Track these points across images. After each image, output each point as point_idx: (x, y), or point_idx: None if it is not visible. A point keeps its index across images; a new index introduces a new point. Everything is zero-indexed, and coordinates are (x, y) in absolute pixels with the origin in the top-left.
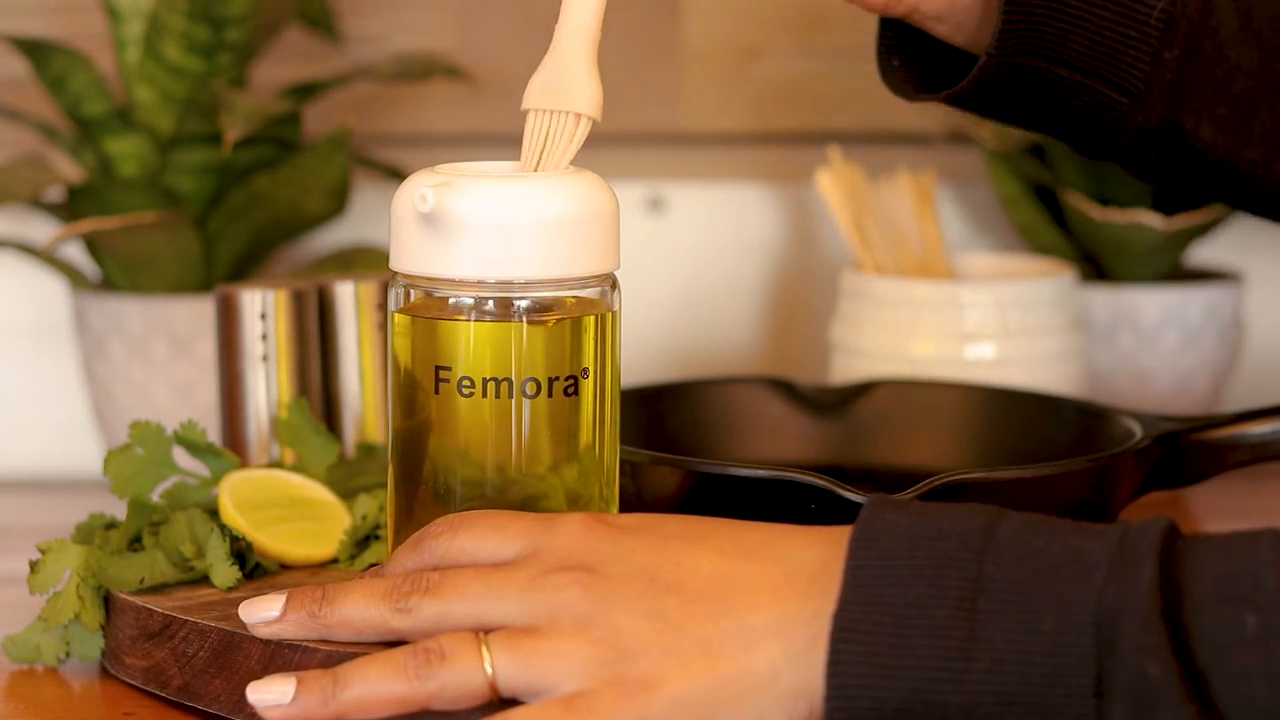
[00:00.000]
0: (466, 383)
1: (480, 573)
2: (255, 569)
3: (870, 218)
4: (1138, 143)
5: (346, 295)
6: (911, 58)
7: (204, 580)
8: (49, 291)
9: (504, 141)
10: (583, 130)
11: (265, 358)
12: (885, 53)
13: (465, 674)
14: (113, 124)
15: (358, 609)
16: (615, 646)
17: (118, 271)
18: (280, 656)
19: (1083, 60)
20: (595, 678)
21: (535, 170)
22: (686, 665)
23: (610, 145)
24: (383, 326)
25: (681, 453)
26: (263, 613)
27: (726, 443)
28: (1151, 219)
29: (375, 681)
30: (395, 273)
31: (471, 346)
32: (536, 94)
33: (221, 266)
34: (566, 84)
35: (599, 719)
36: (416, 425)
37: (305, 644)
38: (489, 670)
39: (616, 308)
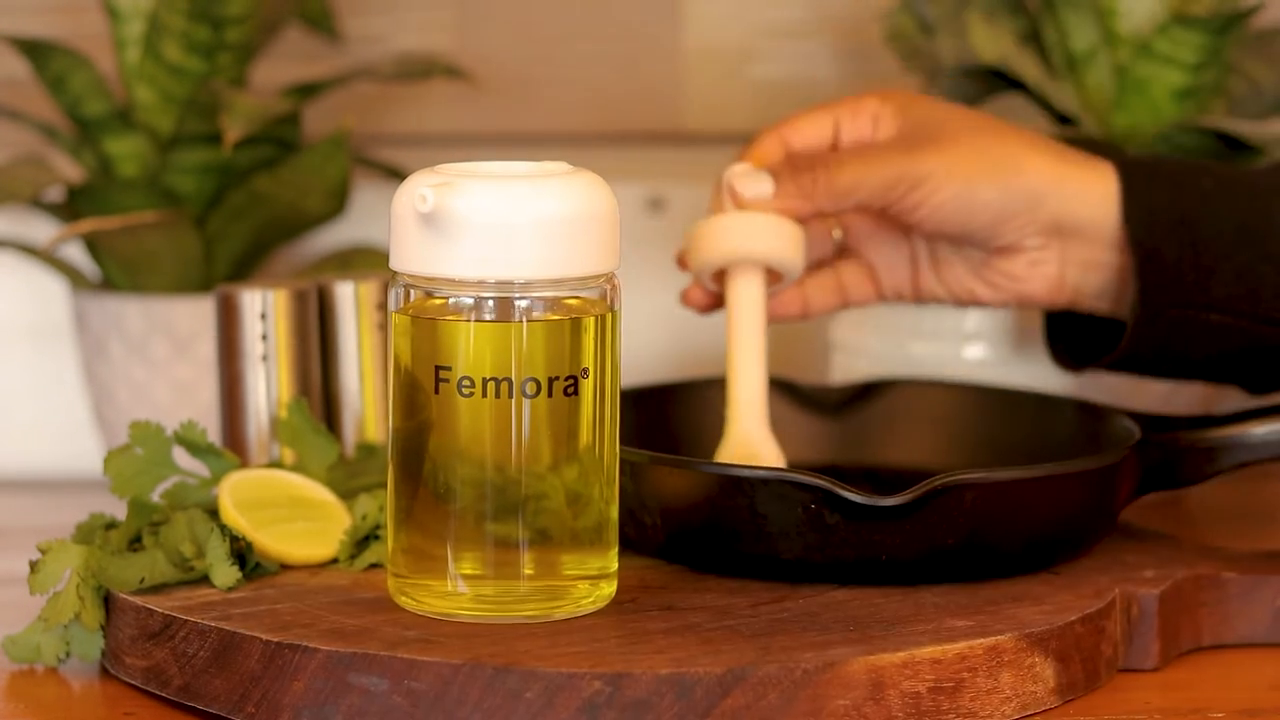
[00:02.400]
0: (466, 382)
1: None
2: (255, 569)
3: None
4: None
5: (346, 295)
6: (1078, 337)
7: (204, 580)
8: (49, 291)
9: (504, 142)
10: None
11: (265, 358)
12: (1053, 339)
13: None
14: (113, 124)
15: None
16: None
17: (118, 271)
18: (281, 656)
19: (1228, 303)
20: None
21: None
22: None
23: (610, 145)
24: (383, 326)
25: (681, 453)
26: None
27: None
28: None
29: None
30: (395, 273)
31: (471, 346)
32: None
33: (221, 266)
34: (754, 452)
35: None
36: (416, 425)
37: (305, 647)
38: None
39: (616, 308)
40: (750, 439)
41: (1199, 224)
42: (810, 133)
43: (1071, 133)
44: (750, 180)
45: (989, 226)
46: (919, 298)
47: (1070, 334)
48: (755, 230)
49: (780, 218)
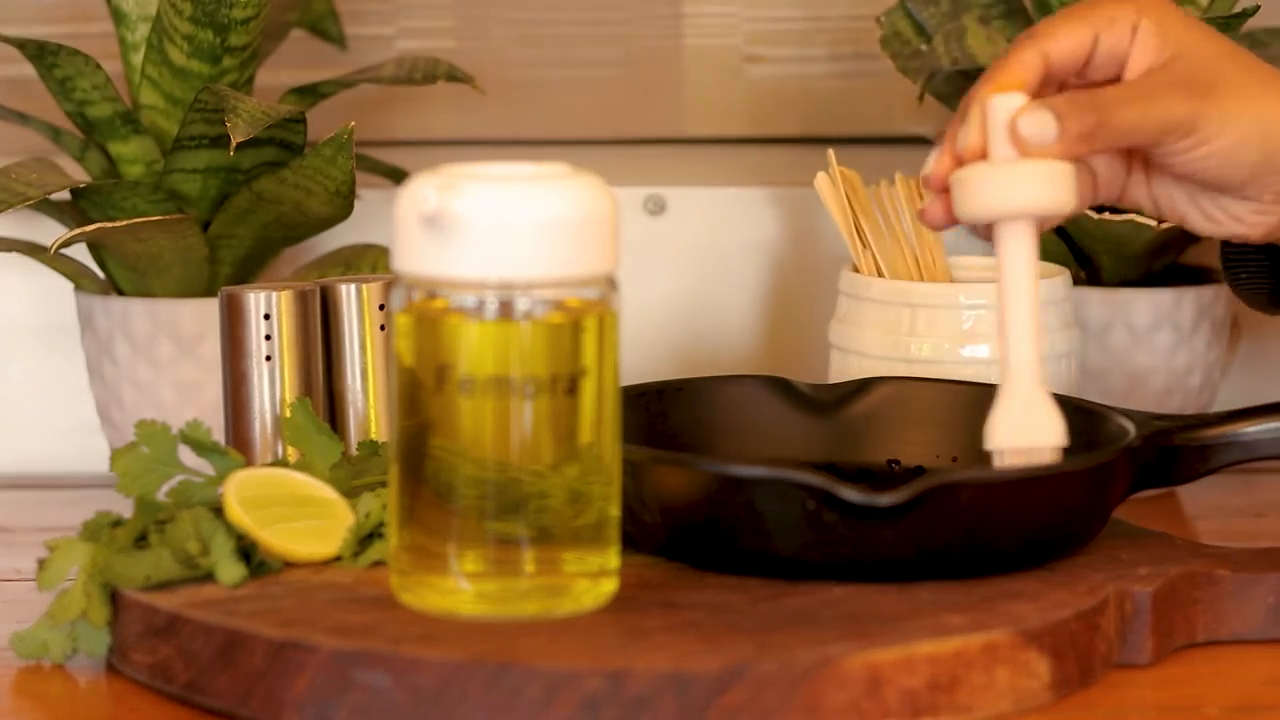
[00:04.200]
0: (468, 382)
1: None
2: (260, 566)
3: (868, 220)
4: None
5: (350, 296)
6: (1261, 270)
7: (209, 578)
8: (56, 292)
9: (506, 144)
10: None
11: (269, 358)
12: (1234, 267)
13: None
14: (118, 126)
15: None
16: None
17: (123, 273)
18: (284, 653)
19: None
20: None
21: None
22: None
23: (611, 147)
24: (385, 327)
25: (681, 452)
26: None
27: (726, 442)
28: (1146, 220)
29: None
30: (398, 273)
31: (473, 346)
32: (1007, 433)
33: (226, 268)
34: (1033, 420)
35: None
36: (419, 424)
37: (309, 644)
38: None
39: (616, 308)
40: (1029, 407)
41: None
42: (1069, 45)
43: None
44: (1035, 124)
45: (1240, 182)
46: (1122, 203)
47: (1253, 269)
48: (1038, 184)
49: (1057, 162)
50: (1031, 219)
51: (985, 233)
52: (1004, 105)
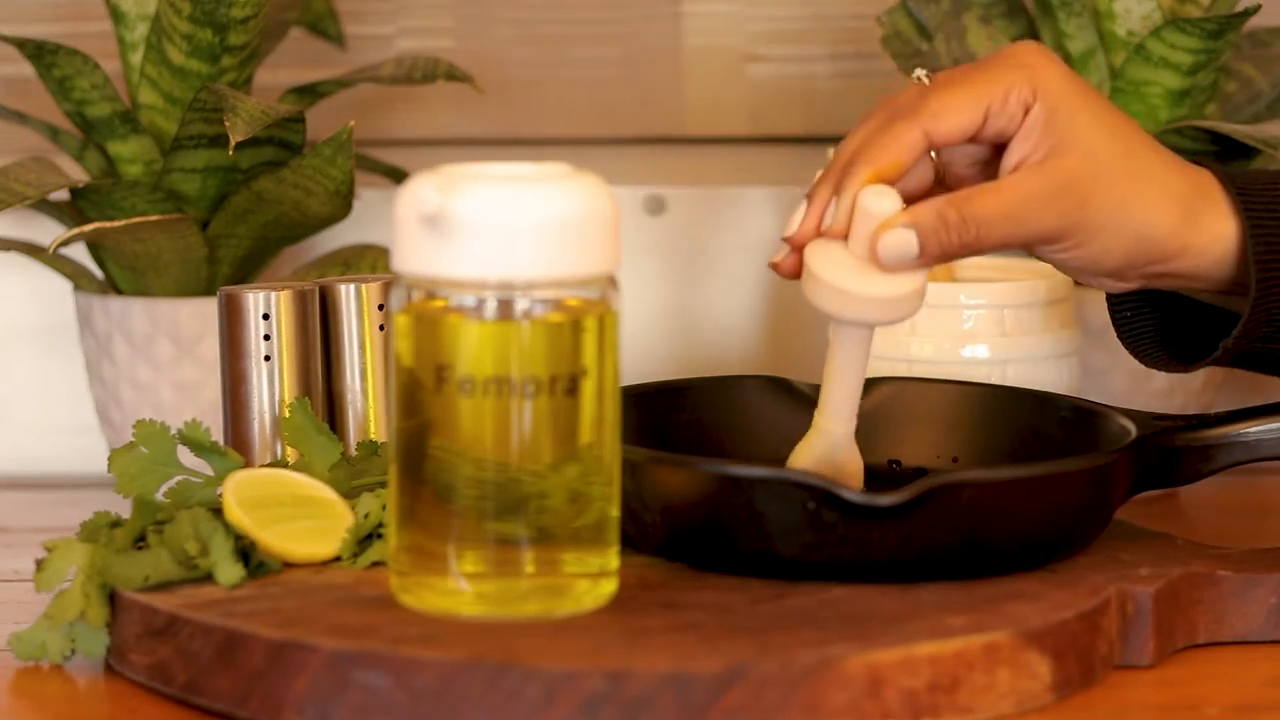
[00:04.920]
0: (467, 382)
1: None
2: (259, 567)
3: None
4: None
5: (349, 296)
6: (1147, 326)
7: (208, 578)
8: (54, 293)
9: (506, 144)
10: None
11: (269, 358)
12: (1127, 322)
13: None
14: (117, 126)
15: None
16: None
17: (122, 273)
18: (284, 653)
19: None
20: None
21: None
22: None
23: (611, 147)
24: (385, 327)
25: (681, 452)
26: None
27: (726, 442)
28: None
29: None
30: (397, 273)
31: (473, 346)
32: (809, 465)
33: (225, 268)
34: (836, 459)
35: None
36: (418, 424)
37: (309, 645)
38: None
39: (616, 308)
40: (835, 460)
41: None
42: (956, 128)
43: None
44: (895, 245)
45: (1103, 277)
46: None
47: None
48: (884, 305)
49: (909, 280)
50: (870, 326)
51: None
52: (873, 207)
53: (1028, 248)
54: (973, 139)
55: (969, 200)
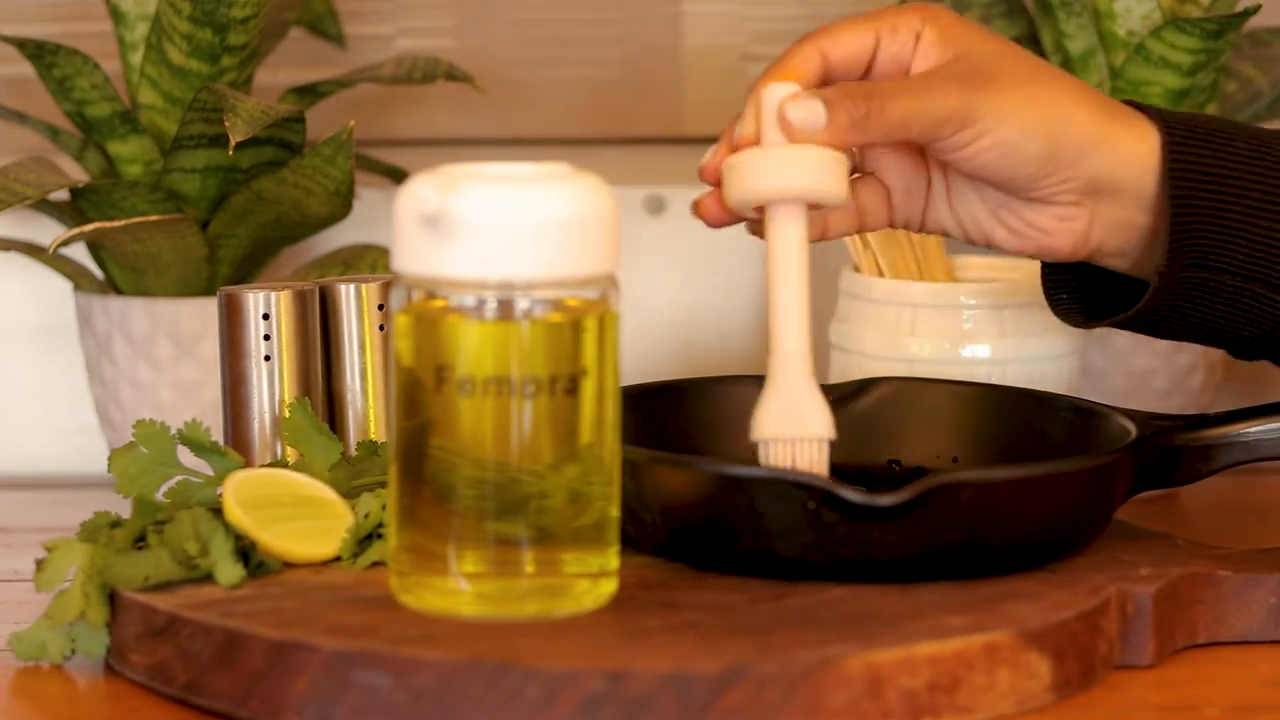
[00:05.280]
0: (467, 382)
1: None
2: (259, 567)
3: None
4: None
5: (349, 296)
6: (1078, 289)
7: (208, 578)
8: (54, 292)
9: (505, 144)
10: (825, 449)
11: (268, 358)
12: (1053, 289)
13: None
14: (117, 126)
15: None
16: None
17: (122, 273)
18: (284, 653)
19: (1243, 266)
20: None
21: None
22: None
23: (611, 147)
24: (385, 327)
25: (681, 452)
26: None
27: (726, 442)
28: None
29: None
30: (397, 273)
31: (473, 346)
32: (773, 423)
33: (225, 268)
34: (799, 410)
35: None
36: (418, 424)
37: (309, 645)
38: None
39: (616, 308)
40: (795, 396)
41: (1227, 186)
42: (849, 47)
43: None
44: (801, 108)
45: (1029, 178)
46: (925, 228)
47: (1071, 289)
48: (805, 166)
49: (827, 149)
50: (800, 202)
51: (756, 227)
52: (775, 94)
53: (939, 138)
54: (868, 71)
55: (874, 81)
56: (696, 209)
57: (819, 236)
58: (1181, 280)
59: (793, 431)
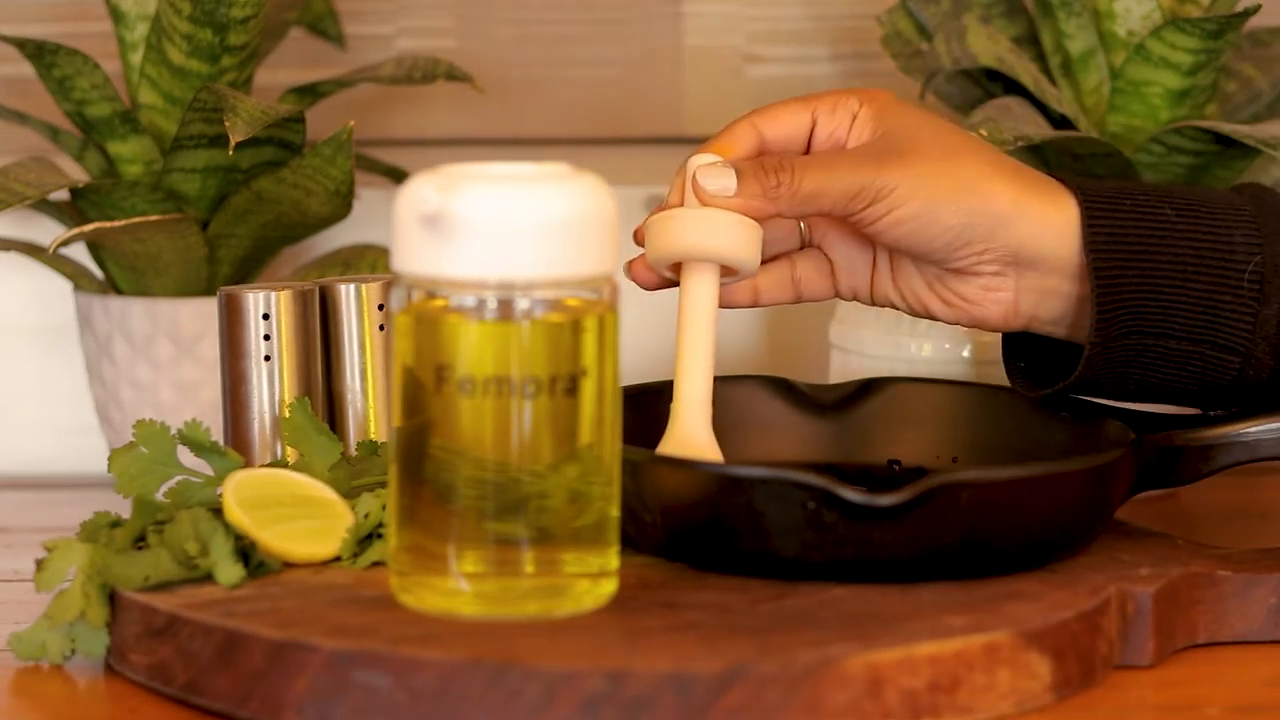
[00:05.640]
0: (467, 382)
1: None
2: (259, 567)
3: None
4: (1256, 390)
5: (349, 296)
6: (1036, 357)
7: (208, 578)
8: (54, 292)
9: (505, 144)
10: None
11: (268, 358)
12: (1011, 358)
13: None
14: (117, 126)
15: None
16: None
17: (122, 273)
18: (284, 653)
19: (1187, 330)
20: None
21: None
22: None
23: (611, 148)
24: (385, 327)
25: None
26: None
27: (726, 442)
28: None
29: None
30: (397, 273)
31: (473, 346)
32: None
33: (225, 268)
34: (688, 454)
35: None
36: (418, 424)
37: (309, 645)
38: None
39: (616, 308)
40: (691, 439)
41: (1159, 253)
42: (785, 125)
43: (1066, 136)
44: (713, 175)
45: (946, 249)
46: (874, 301)
47: (1029, 355)
48: (713, 228)
49: (740, 216)
50: (710, 262)
51: (675, 273)
52: (697, 163)
53: (851, 211)
54: (808, 150)
55: (790, 155)
56: (628, 271)
57: (751, 302)
58: (1122, 348)
59: None
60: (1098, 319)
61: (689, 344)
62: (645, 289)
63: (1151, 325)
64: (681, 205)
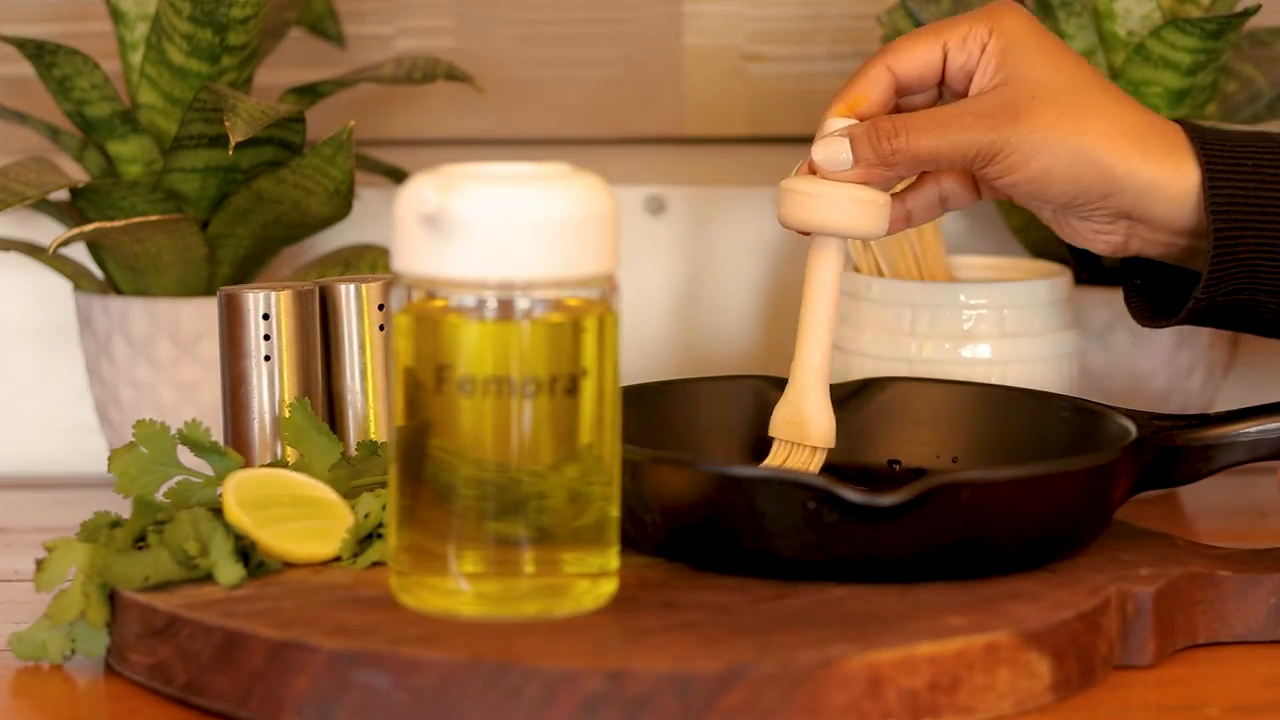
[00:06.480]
0: (467, 382)
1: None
2: (259, 567)
3: None
4: None
5: (349, 296)
6: (1150, 276)
7: (208, 578)
8: (54, 292)
9: (505, 144)
10: (819, 457)
11: (268, 358)
12: (1127, 275)
13: None
14: (117, 126)
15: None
16: None
17: (122, 273)
18: (284, 653)
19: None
20: None
21: None
22: None
23: (611, 147)
24: (385, 327)
25: (681, 452)
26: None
27: (726, 442)
28: None
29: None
30: (397, 273)
31: (473, 346)
32: (781, 426)
33: (225, 268)
34: (805, 419)
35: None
36: (418, 424)
37: (309, 645)
38: None
39: (616, 308)
40: (805, 407)
41: (1270, 212)
42: (918, 63)
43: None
44: (828, 151)
45: (1058, 201)
46: (1014, 204)
47: (1146, 275)
48: (835, 206)
49: (866, 190)
50: (836, 237)
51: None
52: (827, 128)
53: (969, 168)
54: (942, 81)
55: (906, 116)
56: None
57: (904, 226)
58: (1232, 302)
59: (793, 436)
60: (1209, 276)
61: (812, 314)
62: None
63: (1265, 284)
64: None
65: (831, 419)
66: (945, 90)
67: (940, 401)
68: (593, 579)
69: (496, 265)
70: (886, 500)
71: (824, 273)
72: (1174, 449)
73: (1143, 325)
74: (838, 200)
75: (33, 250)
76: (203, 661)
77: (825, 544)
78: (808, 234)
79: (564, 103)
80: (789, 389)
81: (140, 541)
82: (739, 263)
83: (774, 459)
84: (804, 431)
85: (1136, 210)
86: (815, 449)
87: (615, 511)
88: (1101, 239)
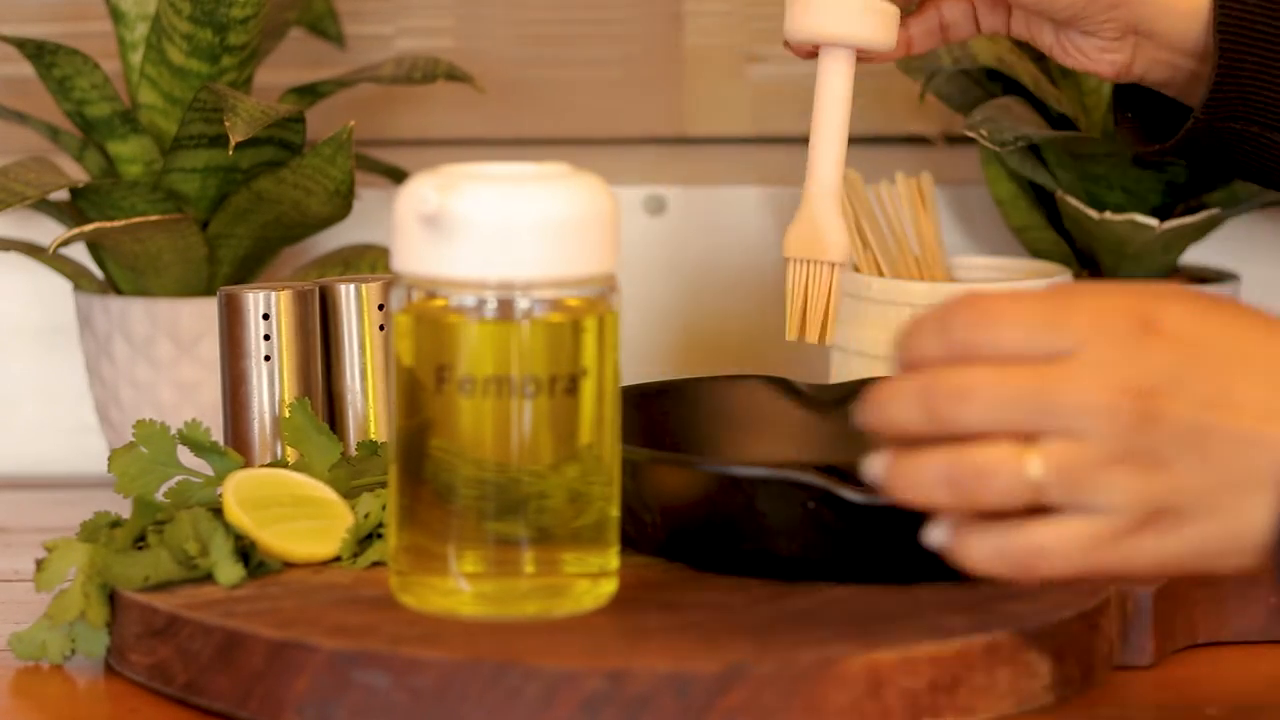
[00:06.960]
0: (467, 382)
1: (1031, 375)
2: (259, 567)
3: (868, 219)
4: None
5: (349, 296)
6: (1143, 111)
7: (208, 578)
8: (54, 292)
9: (506, 144)
10: (836, 273)
11: (268, 358)
12: (1119, 107)
13: (1008, 486)
14: (117, 126)
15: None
16: (1161, 481)
17: (122, 273)
18: (284, 653)
19: (1274, 118)
20: (1136, 508)
21: (800, 324)
22: (1216, 510)
23: (611, 147)
24: (385, 327)
25: (681, 452)
26: None
27: (726, 442)
28: (1147, 220)
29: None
30: (397, 273)
31: (473, 346)
32: (794, 244)
33: (225, 268)
34: (820, 234)
35: (1138, 553)
36: (418, 424)
37: (308, 645)
38: (1033, 479)
39: (616, 308)
40: (819, 224)
41: (1275, 42)
42: None
43: (1066, 136)
44: None
45: (1068, 15)
46: (1012, 36)
47: (1139, 108)
48: (848, 13)
49: (879, 1)
50: (847, 48)
51: (808, 54)
52: None
53: None
54: None
55: None
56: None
57: (904, 53)
58: (1228, 130)
59: (810, 254)
60: (1209, 98)
61: (823, 131)
62: (799, 57)
63: (1258, 114)
64: None
65: (846, 234)
66: None
67: None
68: (593, 579)
69: (496, 265)
70: (886, 500)
71: (835, 86)
72: None
73: (1134, 152)
74: (849, 7)
75: (33, 250)
76: (203, 661)
77: (825, 543)
78: (815, 54)
79: (564, 103)
80: (801, 207)
81: (140, 541)
82: (739, 263)
83: (791, 280)
84: (820, 247)
85: (1144, 23)
86: (833, 264)
87: (615, 511)
88: (1107, 58)
